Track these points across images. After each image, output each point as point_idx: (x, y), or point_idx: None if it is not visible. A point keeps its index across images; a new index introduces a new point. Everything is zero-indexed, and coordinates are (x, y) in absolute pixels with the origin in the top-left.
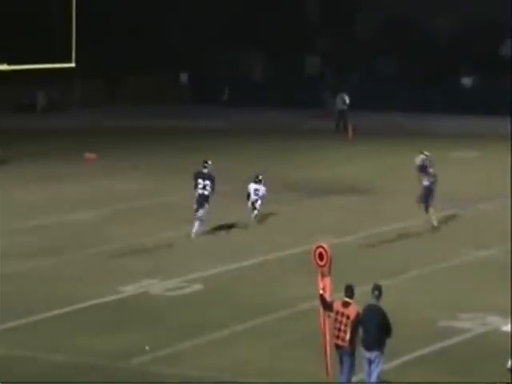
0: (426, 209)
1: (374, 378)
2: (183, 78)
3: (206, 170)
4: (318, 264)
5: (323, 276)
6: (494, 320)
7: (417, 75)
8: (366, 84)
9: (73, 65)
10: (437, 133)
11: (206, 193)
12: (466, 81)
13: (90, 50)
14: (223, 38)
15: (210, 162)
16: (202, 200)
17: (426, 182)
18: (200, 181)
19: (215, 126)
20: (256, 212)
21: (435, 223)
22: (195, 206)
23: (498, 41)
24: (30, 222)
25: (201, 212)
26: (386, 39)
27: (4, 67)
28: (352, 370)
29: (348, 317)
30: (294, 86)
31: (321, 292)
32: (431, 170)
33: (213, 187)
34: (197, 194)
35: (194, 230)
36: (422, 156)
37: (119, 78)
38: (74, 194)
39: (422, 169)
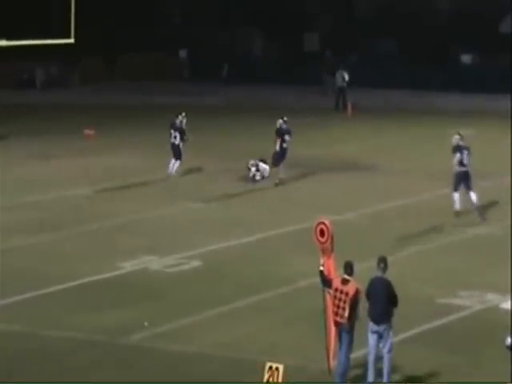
0: (275, 165)
1: (387, 350)
2: (182, 54)
3: (176, 122)
4: (318, 240)
5: (324, 252)
6: (492, 297)
7: (416, 53)
8: (366, 62)
9: (72, 41)
10: (436, 110)
11: (176, 142)
12: (466, 58)
13: (89, 26)
14: (223, 14)
15: (182, 115)
16: (175, 149)
17: (277, 148)
18: (172, 131)
19: (214, 103)
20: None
21: (277, 181)
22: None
23: (498, 18)
24: (29, 198)
25: (177, 164)
26: (385, 17)
27: (3, 43)
28: (350, 346)
29: (347, 294)
30: (293, 62)
31: (321, 268)
32: (287, 137)
33: (182, 138)
34: (170, 143)
35: (169, 171)
36: (280, 120)
37: (118, 55)
38: (73, 170)
39: (279, 132)
